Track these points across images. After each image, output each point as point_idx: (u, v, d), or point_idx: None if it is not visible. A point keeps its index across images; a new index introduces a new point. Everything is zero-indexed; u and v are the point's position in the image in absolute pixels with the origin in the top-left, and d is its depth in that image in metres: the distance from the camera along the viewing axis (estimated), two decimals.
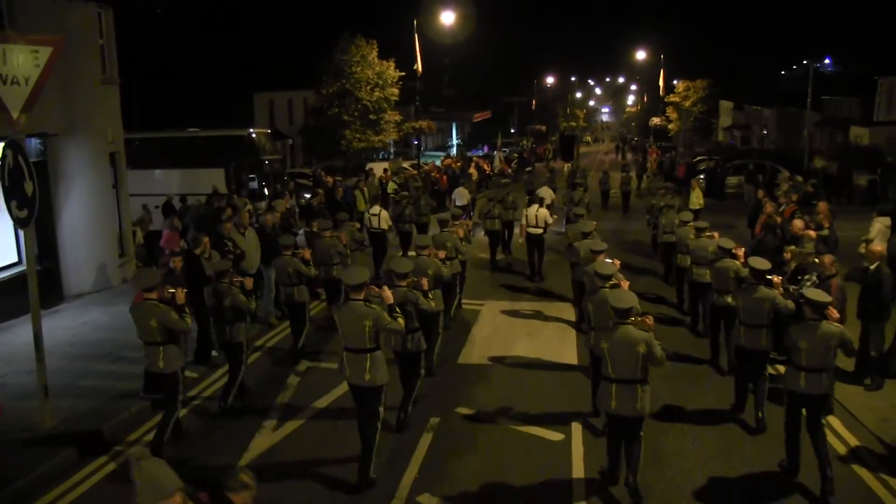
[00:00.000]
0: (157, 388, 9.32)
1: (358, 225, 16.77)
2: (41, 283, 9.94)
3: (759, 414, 9.31)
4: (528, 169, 32.83)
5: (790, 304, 8.83)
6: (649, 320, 7.47)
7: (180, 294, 8.68)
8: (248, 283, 10.20)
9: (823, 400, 7.77)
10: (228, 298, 9.61)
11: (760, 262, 9.20)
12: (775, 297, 8.91)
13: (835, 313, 7.71)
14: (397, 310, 8.22)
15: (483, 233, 19.32)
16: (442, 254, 11.59)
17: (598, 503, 7.82)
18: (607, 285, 8.96)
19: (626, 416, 7.52)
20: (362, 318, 7.87)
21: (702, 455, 8.77)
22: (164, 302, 8.57)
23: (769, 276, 9.12)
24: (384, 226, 16.97)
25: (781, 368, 10.10)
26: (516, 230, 18.96)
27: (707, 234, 12.63)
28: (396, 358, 9.33)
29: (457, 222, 13.77)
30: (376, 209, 17.23)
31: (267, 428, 9.59)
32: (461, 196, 22.33)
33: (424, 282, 9.39)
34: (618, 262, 9.88)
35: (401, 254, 16.82)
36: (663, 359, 7.41)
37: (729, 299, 10.40)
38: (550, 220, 17.10)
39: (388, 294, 8.23)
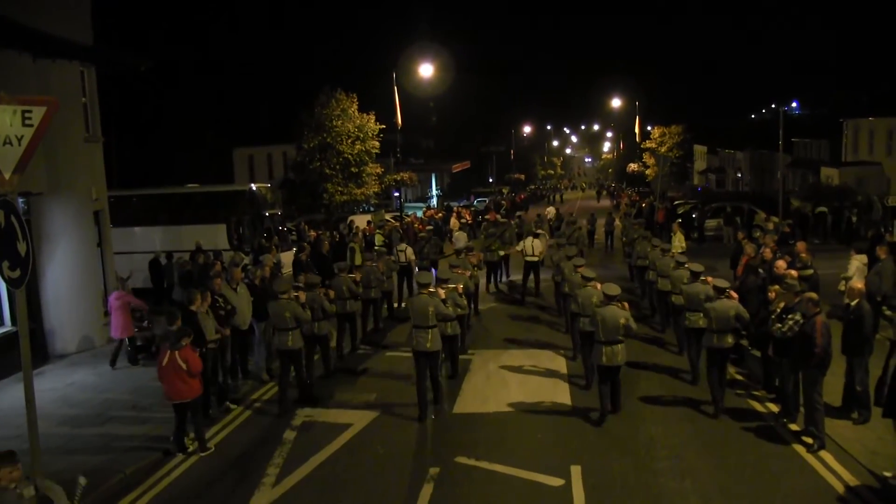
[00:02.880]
0: (293, 361, 12.38)
1: (393, 258, 19.61)
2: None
3: (695, 367, 13.01)
4: (518, 214, 35.41)
5: (711, 290, 11.85)
6: (626, 304, 11.43)
7: (302, 295, 12.49)
8: (332, 294, 13.99)
9: (727, 352, 11.51)
10: (317, 303, 12.89)
11: (696, 266, 13.26)
12: (708, 290, 11.95)
13: (734, 294, 11.68)
14: (448, 302, 12.09)
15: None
16: (466, 273, 15.66)
17: None
18: (589, 285, 12.87)
19: (612, 366, 11.14)
20: (427, 305, 11.63)
21: (702, 495, 8.77)
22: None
23: (703, 278, 12.72)
24: (410, 258, 20.37)
25: None
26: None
27: (670, 254, 16.43)
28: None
29: (471, 253, 18.04)
30: (403, 246, 20.88)
31: (266, 485, 9.47)
32: (459, 239, 25.00)
33: (460, 287, 13.17)
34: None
35: None
36: (636, 329, 11.64)
37: (682, 299, 13.36)
38: (543, 249, 20.76)
39: (441, 292, 12.01)
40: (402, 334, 16.50)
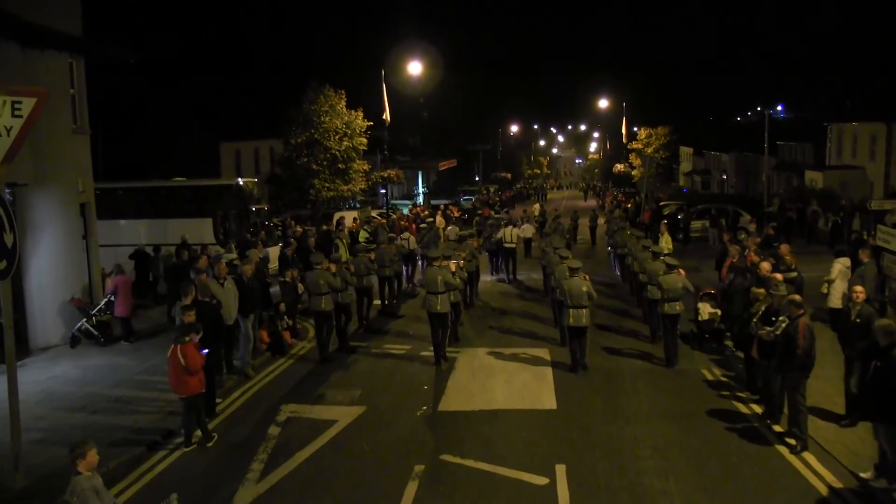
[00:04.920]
0: (326, 321, 14.93)
1: (403, 243, 22.28)
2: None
3: (653, 331, 15.75)
4: (506, 210, 42.66)
5: (663, 266, 14.63)
6: (587, 276, 14.10)
7: (333, 267, 15.02)
8: (353, 268, 16.76)
9: (677, 317, 13.97)
10: (341, 276, 15.18)
11: (657, 248, 17.06)
12: (665, 268, 14.43)
13: (682, 271, 14.27)
14: (456, 274, 15.11)
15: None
16: (465, 253, 18.24)
17: None
18: (564, 263, 14.95)
19: (579, 327, 13.64)
20: (437, 275, 14.43)
21: (685, 495, 8.84)
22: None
23: (662, 258, 15.29)
24: (413, 247, 23.25)
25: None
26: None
27: (644, 244, 18.55)
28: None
29: (471, 239, 21.07)
30: (406, 235, 23.59)
31: (250, 480, 9.46)
32: (453, 232, 27.15)
33: (461, 263, 16.29)
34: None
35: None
36: (595, 297, 14.04)
37: (644, 277, 16.35)
38: (529, 235, 26.13)
39: (451, 265, 14.98)
40: (410, 307, 20.00)
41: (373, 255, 18.27)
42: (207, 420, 11.16)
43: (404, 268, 22.29)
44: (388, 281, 19.71)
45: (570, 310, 13.60)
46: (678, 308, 13.88)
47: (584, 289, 13.57)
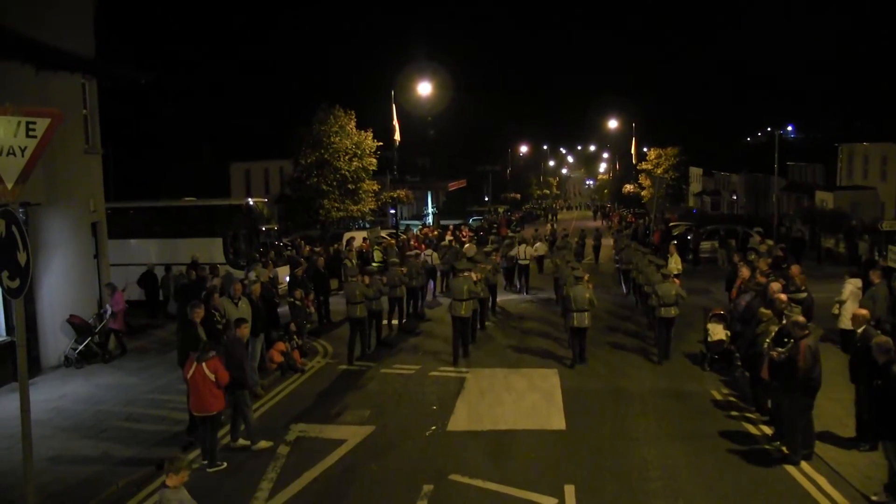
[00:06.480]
0: (360, 327, 16.52)
1: (427, 259, 24.42)
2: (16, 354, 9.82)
3: (657, 346, 16.49)
4: (518, 230, 45.33)
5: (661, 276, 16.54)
6: (591, 284, 16.12)
7: (366, 279, 16.76)
8: (384, 280, 17.97)
9: (672, 321, 15.78)
10: (375, 286, 16.80)
11: (659, 261, 19.03)
12: (661, 278, 16.29)
13: (677, 280, 16.48)
14: (480, 283, 17.03)
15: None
16: (488, 267, 20.24)
17: None
18: (575, 274, 16.38)
19: (581, 328, 15.46)
20: (463, 284, 16.20)
21: None
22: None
23: (661, 270, 17.17)
24: (436, 262, 25.31)
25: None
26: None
27: (650, 258, 20.11)
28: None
29: (492, 255, 22.56)
30: (429, 251, 25.88)
31: (259, 499, 9.45)
32: (469, 251, 27.07)
33: (481, 276, 17.84)
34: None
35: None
36: (596, 302, 16.04)
37: (648, 288, 17.72)
38: (542, 253, 29.02)
39: (473, 275, 16.66)
40: (433, 313, 22.24)
41: (404, 269, 20.09)
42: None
43: (427, 280, 23.81)
44: (414, 292, 21.50)
45: (574, 313, 15.36)
46: (672, 312, 15.64)
47: (587, 295, 15.35)
